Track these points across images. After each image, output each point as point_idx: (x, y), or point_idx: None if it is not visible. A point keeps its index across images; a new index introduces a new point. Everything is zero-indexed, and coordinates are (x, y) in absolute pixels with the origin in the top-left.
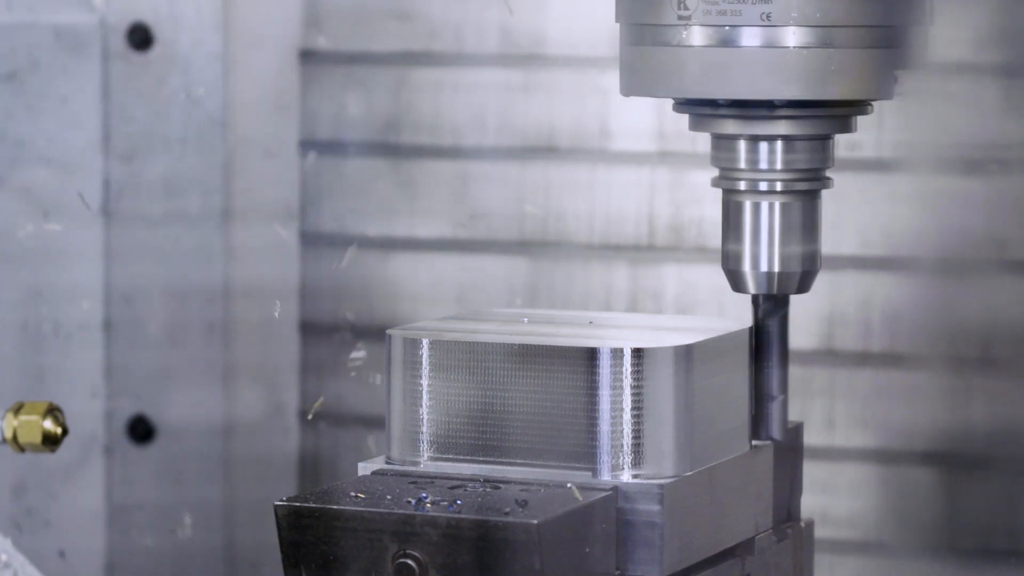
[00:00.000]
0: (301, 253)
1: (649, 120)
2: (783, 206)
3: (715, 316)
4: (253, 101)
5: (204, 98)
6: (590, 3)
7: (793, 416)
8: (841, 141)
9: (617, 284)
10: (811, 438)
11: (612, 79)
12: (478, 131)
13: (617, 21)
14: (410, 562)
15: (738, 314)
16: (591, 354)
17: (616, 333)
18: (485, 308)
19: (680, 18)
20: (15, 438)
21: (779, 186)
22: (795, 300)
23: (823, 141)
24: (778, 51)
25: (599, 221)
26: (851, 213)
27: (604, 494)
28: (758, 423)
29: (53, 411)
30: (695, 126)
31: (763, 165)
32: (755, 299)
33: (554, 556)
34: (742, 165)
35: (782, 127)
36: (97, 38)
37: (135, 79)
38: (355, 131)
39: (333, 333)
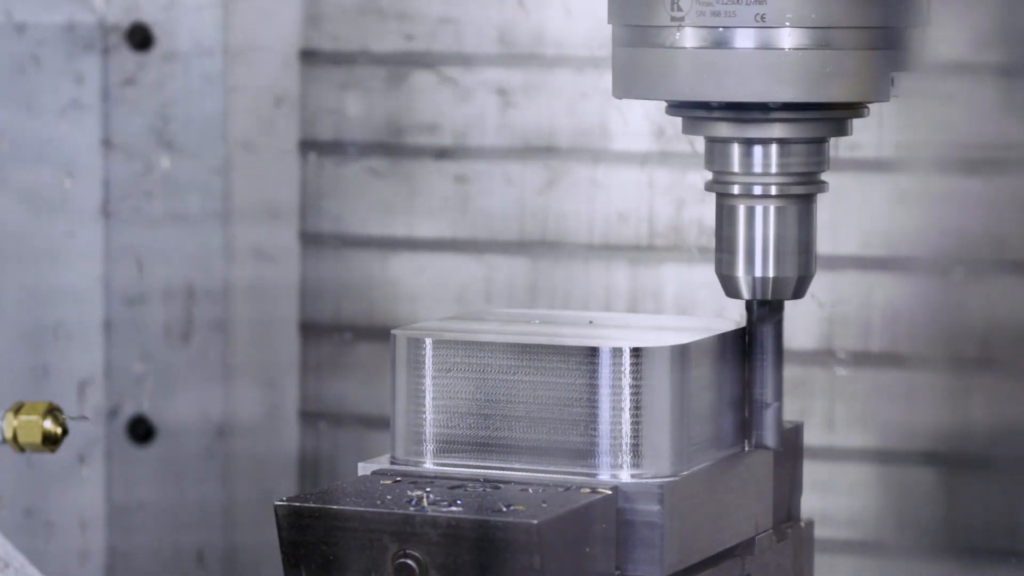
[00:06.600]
0: (301, 253)
1: (649, 120)
2: (778, 210)
3: (714, 316)
4: (253, 101)
5: (204, 98)
6: (590, 3)
7: (793, 416)
8: (841, 141)
9: (617, 284)
10: (811, 438)
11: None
12: (478, 131)
13: (610, 22)
14: (410, 562)
15: (737, 314)
16: (591, 353)
17: (616, 333)
18: (486, 308)
19: (673, 19)
20: (15, 438)
21: (774, 190)
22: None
23: (819, 144)
24: (773, 52)
25: (599, 221)
26: (851, 213)
27: (604, 494)
28: (751, 430)
29: (53, 411)
30: (688, 129)
31: (757, 169)
32: (749, 304)
33: (554, 556)
34: (736, 169)
35: (777, 130)
36: (97, 38)
37: (135, 79)
38: (355, 131)
39: (333, 333)
